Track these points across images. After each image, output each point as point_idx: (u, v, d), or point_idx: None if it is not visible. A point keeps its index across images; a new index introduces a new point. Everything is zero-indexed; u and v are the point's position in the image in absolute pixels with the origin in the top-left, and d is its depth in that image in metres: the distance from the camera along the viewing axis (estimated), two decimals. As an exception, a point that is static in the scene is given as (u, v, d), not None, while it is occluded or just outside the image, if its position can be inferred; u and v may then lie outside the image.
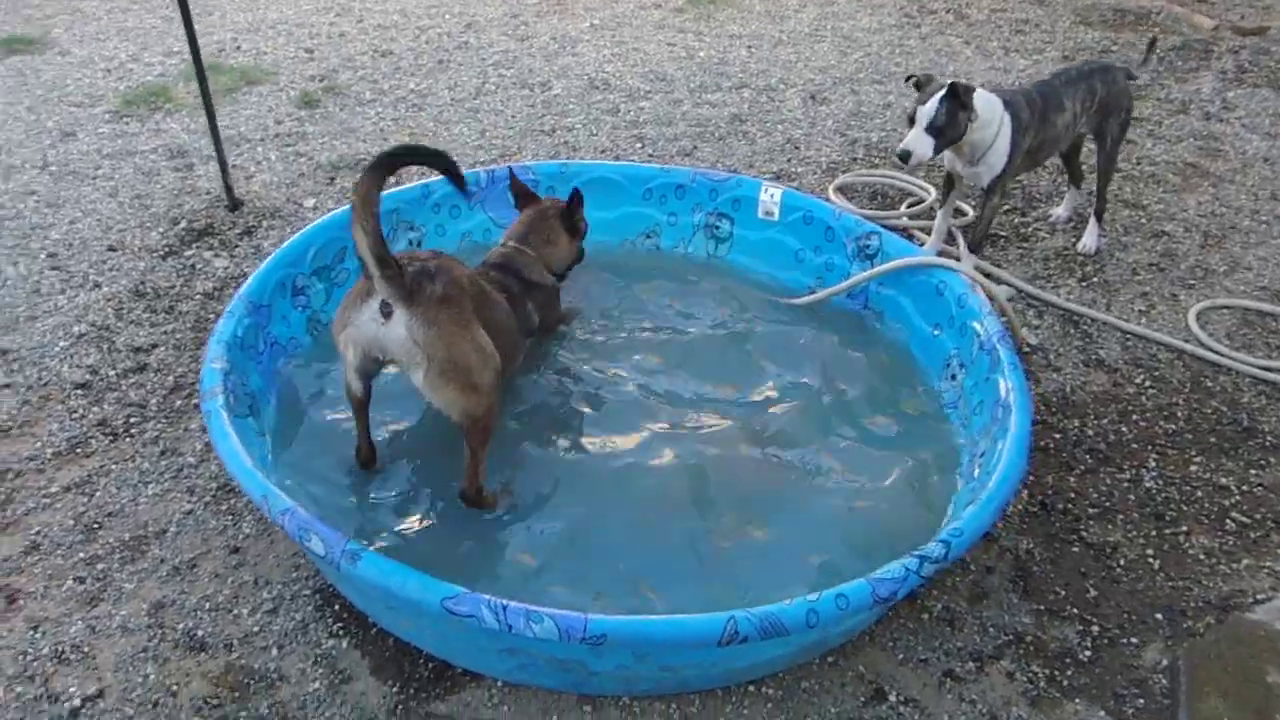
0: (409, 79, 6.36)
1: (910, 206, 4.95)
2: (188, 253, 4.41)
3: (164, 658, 2.75)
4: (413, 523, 3.07)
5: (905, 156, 3.85)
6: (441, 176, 3.01)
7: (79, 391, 3.66)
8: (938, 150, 3.91)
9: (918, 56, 6.85)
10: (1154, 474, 3.45)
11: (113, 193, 4.91)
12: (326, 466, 3.23)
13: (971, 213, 4.75)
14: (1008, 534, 3.20)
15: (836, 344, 3.86)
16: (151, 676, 2.70)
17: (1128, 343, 4.09)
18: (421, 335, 2.81)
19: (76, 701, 2.63)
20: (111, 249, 4.46)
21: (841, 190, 5.12)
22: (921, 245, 4.51)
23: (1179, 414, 3.72)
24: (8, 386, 3.67)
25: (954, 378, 3.52)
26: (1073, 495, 3.36)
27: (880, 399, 3.61)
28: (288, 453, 3.26)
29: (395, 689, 2.67)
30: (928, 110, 3.83)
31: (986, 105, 3.98)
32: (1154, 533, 3.22)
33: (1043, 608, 2.97)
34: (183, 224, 4.63)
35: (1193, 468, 3.48)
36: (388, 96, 6.11)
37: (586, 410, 3.51)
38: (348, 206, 2.94)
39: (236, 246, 4.48)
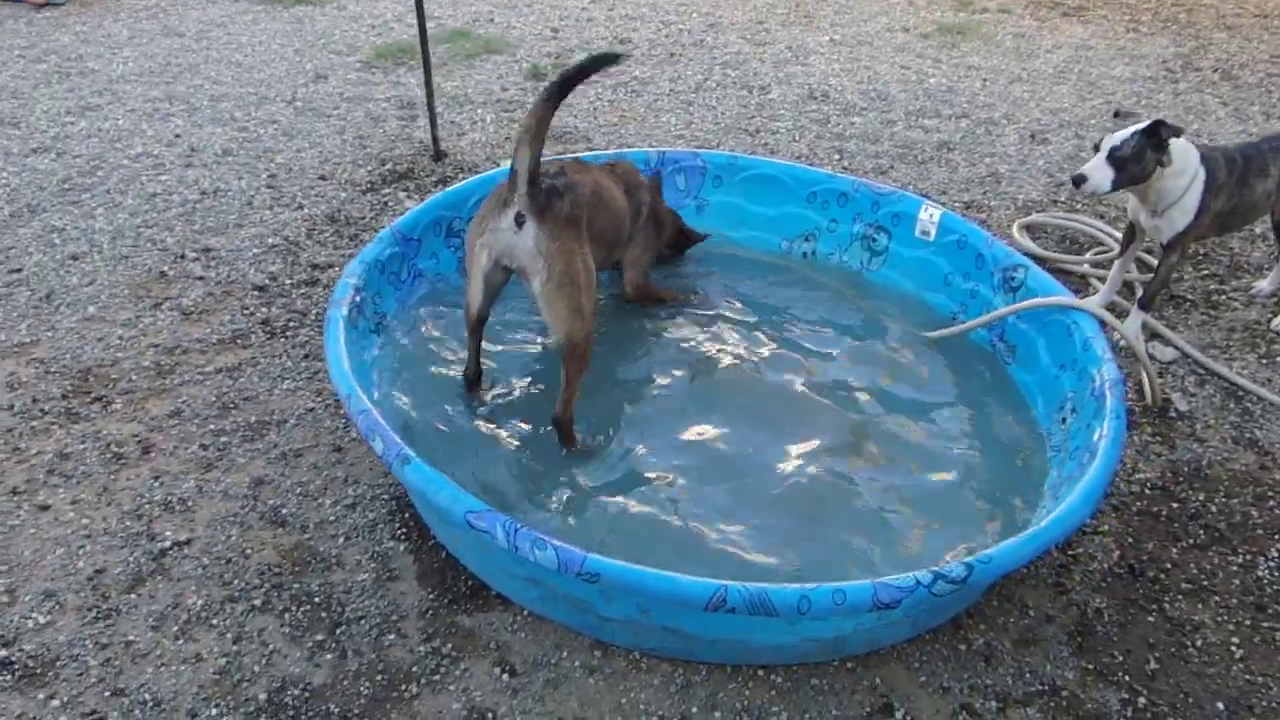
0: (637, 67, 6.65)
1: (1096, 255, 4.73)
2: (385, 191, 4.85)
3: (249, 525, 3.09)
4: (499, 455, 3.28)
5: (1079, 181, 3.68)
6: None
7: (256, 292, 4.12)
8: (1116, 185, 3.71)
9: (1163, 110, 6.46)
10: (1272, 564, 3.17)
11: (340, 130, 5.46)
12: (434, 389, 3.50)
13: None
14: (1082, 588, 3.05)
15: (960, 374, 3.79)
16: (234, 537, 3.04)
17: (1294, 428, 3.77)
18: (546, 247, 3.12)
19: (168, 543, 3.01)
20: (322, 178, 4.97)
21: (1029, 229, 4.95)
22: (1094, 294, 4.33)
23: (1326, 511, 3.41)
24: (202, 279, 4.19)
25: (1064, 421, 3.38)
26: (1169, 566, 3.15)
27: (988, 435, 3.51)
28: (406, 370, 3.56)
29: (432, 595, 2.89)
30: (1116, 138, 3.65)
31: (1182, 154, 3.77)
32: (1248, 622, 2.97)
33: (1092, 667, 2.81)
34: (389, 165, 5.09)
35: (1321, 568, 3.19)
36: (611, 79, 6.42)
37: (706, 391, 3.63)
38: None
39: (429, 192, 4.87)
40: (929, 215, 4.14)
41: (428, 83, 4.97)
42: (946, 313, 4.06)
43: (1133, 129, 3.65)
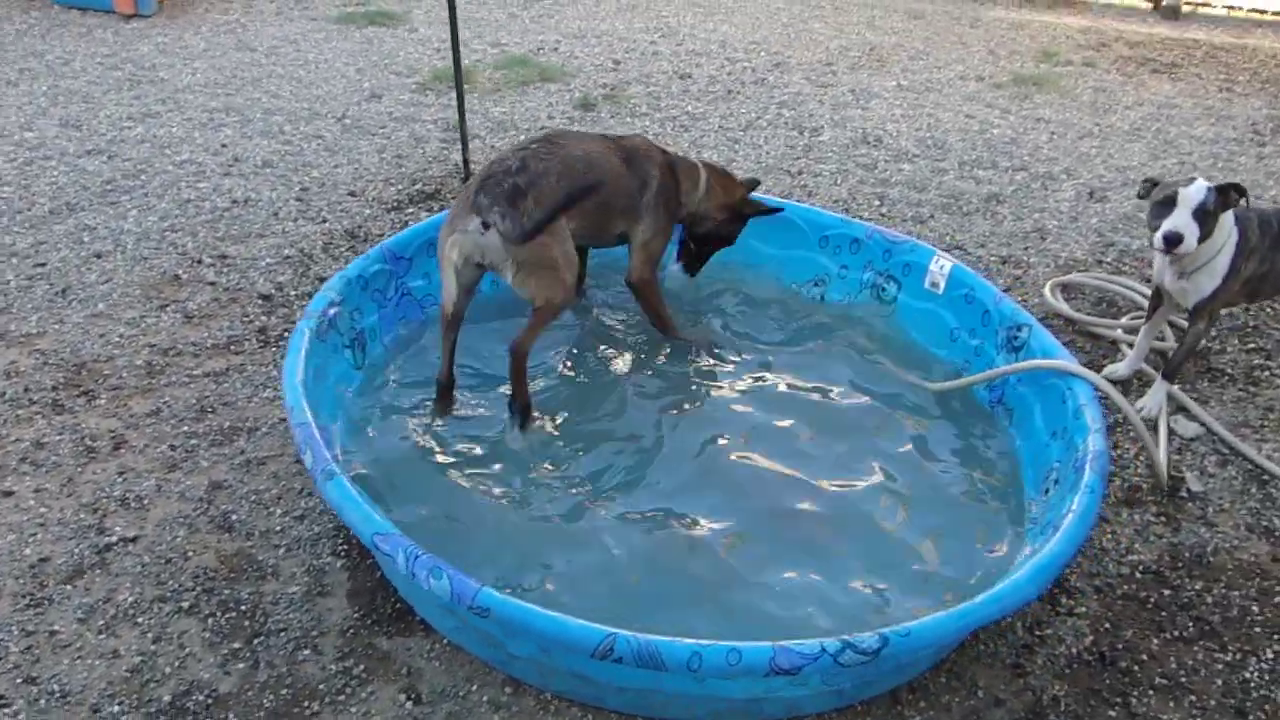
0: (692, 102, 6.61)
1: (1132, 319, 4.48)
2: (409, 210, 4.90)
3: (197, 527, 3.11)
4: (452, 484, 3.24)
5: (1174, 240, 3.42)
6: None
7: (260, 301, 4.19)
8: (1200, 241, 3.49)
9: (1240, 175, 6.13)
10: (1264, 666, 2.92)
11: (381, 149, 5.56)
12: (408, 412, 3.49)
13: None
14: (1043, 673, 2.85)
15: (954, 435, 3.63)
16: (179, 538, 3.07)
17: (1318, 521, 3.48)
18: (514, 250, 3.23)
19: (115, 539, 3.05)
20: (351, 194, 5.06)
21: (1065, 288, 4.73)
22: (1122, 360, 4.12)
23: (1337, 613, 3.13)
24: (212, 284, 4.28)
25: (1047, 492, 3.19)
26: (1145, 658, 2.92)
27: (971, 502, 3.34)
28: (381, 391, 3.56)
29: (357, 615, 2.85)
30: (1194, 193, 3.42)
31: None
32: (1223, 728, 2.75)
33: (1034, 761, 2.63)
34: (418, 185, 5.15)
35: (1320, 675, 2.92)
36: (661, 113, 6.39)
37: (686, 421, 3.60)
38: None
39: (451, 214, 4.92)
40: (939, 267, 3.99)
41: (460, 105, 5.03)
42: (952, 368, 3.89)
43: (1207, 185, 3.44)
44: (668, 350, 3.94)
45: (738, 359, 3.94)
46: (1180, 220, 3.43)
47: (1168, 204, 3.47)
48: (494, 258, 3.25)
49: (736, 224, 4.11)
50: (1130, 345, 4.19)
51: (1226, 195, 3.46)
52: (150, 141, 5.59)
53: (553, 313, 3.40)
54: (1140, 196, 3.66)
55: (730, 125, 6.28)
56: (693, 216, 4.01)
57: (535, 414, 3.44)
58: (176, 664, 2.69)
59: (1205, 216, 3.44)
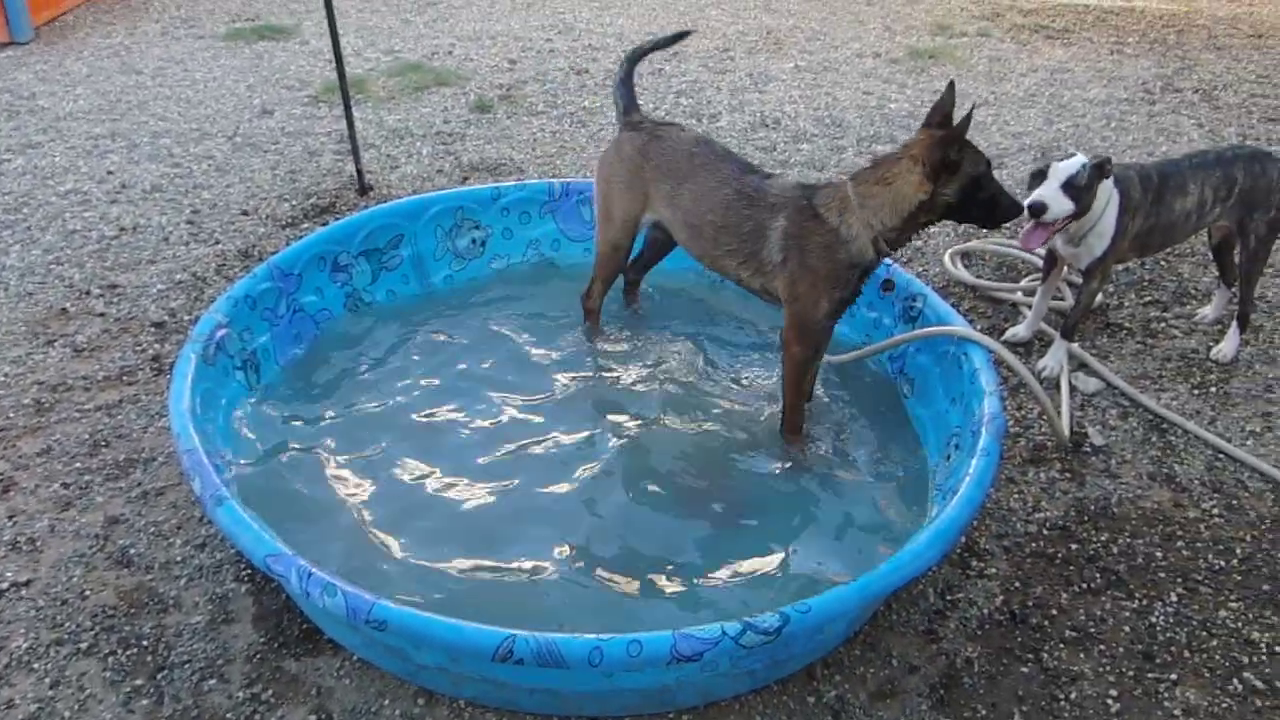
0: (588, 97, 6.59)
1: (1031, 281, 4.55)
2: (304, 225, 4.81)
3: (94, 565, 3.02)
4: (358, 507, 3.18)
5: (1039, 210, 3.52)
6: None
7: (153, 329, 4.08)
8: (1074, 215, 3.58)
9: (1132, 134, 6.27)
10: (1169, 611, 2.98)
11: (274, 166, 5.46)
12: (301, 434, 3.42)
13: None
14: (956, 636, 2.88)
15: (856, 406, 3.66)
16: (76, 578, 2.97)
17: (1215, 463, 3.56)
18: None
19: (5, 585, 2.95)
20: (244, 213, 4.96)
21: (966, 256, 4.79)
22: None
23: (1238, 551, 3.19)
24: (102, 315, 4.17)
25: (949, 458, 3.22)
26: (1055, 613, 2.97)
27: (877, 472, 3.36)
28: (277, 411, 3.49)
29: (264, 639, 2.79)
30: (1068, 167, 3.51)
31: None
32: (1131, 673, 2.78)
33: (949, 723, 2.65)
34: (313, 200, 5.06)
35: (1223, 613, 2.97)
36: (558, 110, 6.36)
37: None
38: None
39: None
40: (835, 244, 4.00)
41: (348, 116, 4.95)
42: (851, 342, 3.91)
43: (1081, 160, 3.53)
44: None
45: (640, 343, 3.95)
46: (1047, 192, 3.53)
47: (1039, 176, 3.59)
48: None
49: (966, 190, 3.08)
50: (1030, 307, 4.26)
51: (1101, 169, 3.56)
52: (32, 173, 5.42)
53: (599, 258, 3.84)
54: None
55: (629, 118, 6.27)
56: (887, 238, 3.16)
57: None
58: (76, 707, 2.60)
59: (1077, 190, 3.53)
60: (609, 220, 3.72)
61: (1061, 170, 3.52)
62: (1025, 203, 3.47)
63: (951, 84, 3.18)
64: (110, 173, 5.42)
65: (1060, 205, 3.52)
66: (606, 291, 3.91)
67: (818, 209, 3.18)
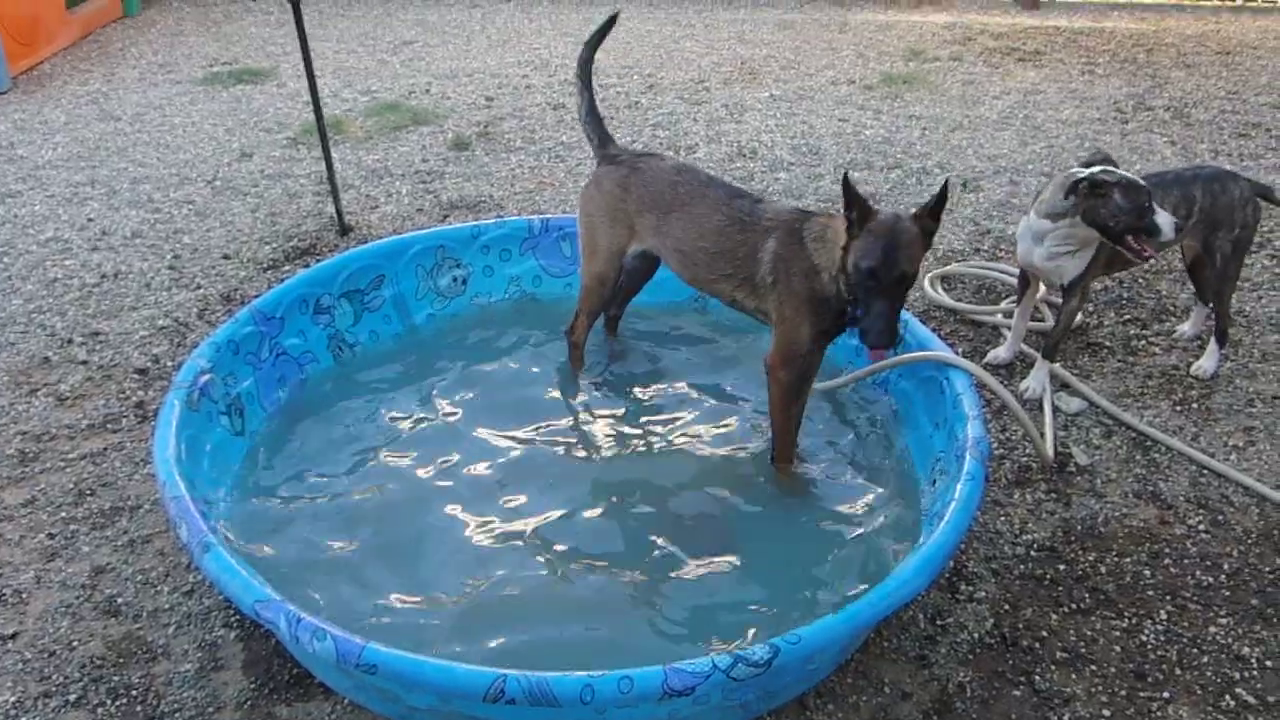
0: (565, 132, 6.63)
1: (1010, 303, 4.59)
2: (285, 268, 4.82)
3: (81, 615, 3.00)
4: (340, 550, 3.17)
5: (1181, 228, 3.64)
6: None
7: (136, 376, 4.07)
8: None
9: (1108, 152, 6.34)
10: (1159, 628, 2.99)
11: (255, 209, 5.47)
12: (285, 477, 3.42)
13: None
14: (947, 661, 2.88)
15: (840, 434, 3.69)
16: (63, 629, 2.95)
17: (1200, 479, 3.58)
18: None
19: (-9, 639, 2.93)
20: (225, 257, 4.96)
21: (946, 279, 4.83)
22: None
23: (1225, 566, 3.21)
24: (85, 363, 4.15)
25: (934, 483, 3.23)
26: (1045, 634, 2.97)
27: (866, 499, 3.38)
28: (263, 455, 3.49)
29: (254, 685, 2.77)
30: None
31: None
32: (1124, 692, 2.79)
33: (943, 750, 2.65)
34: (294, 242, 5.07)
35: (1213, 629, 2.99)
36: (535, 146, 6.40)
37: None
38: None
39: (327, 267, 4.85)
40: (816, 271, 4.03)
41: (326, 157, 4.97)
42: (835, 370, 3.93)
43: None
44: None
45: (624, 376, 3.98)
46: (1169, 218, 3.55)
47: (1146, 195, 3.52)
48: None
49: (851, 274, 3.05)
50: (1010, 329, 4.30)
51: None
52: (11, 222, 5.41)
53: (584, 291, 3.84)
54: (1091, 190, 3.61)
55: (607, 152, 6.32)
56: (843, 283, 3.15)
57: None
58: (65, 761, 2.59)
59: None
60: (594, 254, 3.73)
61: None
62: (1168, 223, 3.52)
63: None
64: (90, 220, 5.42)
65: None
66: (591, 325, 3.91)
67: (803, 235, 3.23)
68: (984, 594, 3.11)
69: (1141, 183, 3.56)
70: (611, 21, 3.91)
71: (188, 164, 6.11)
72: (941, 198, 3.04)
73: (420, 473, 3.42)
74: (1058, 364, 4.08)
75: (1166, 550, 3.28)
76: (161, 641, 2.91)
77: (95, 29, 9.14)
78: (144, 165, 6.14)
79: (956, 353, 3.66)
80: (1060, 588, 3.14)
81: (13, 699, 2.74)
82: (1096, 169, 3.62)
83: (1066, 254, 3.77)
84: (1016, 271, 4.69)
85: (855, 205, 2.99)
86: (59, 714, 2.70)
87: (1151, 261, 4.35)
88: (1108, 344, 4.37)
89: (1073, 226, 3.67)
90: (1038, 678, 2.83)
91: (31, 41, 8.00)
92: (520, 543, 3.14)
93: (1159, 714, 2.72)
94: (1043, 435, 3.66)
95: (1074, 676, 2.84)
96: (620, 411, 3.77)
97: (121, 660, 2.85)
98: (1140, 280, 4.82)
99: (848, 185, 3.00)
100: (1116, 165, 3.75)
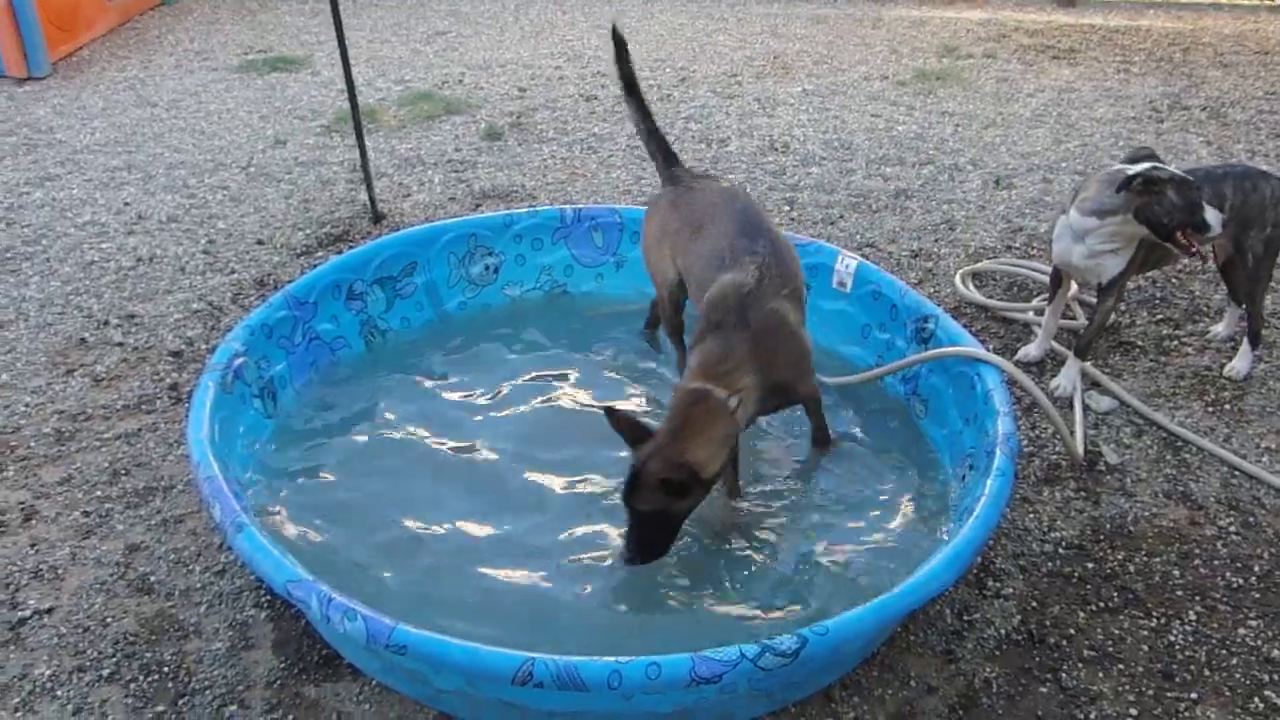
0: (597, 123, 6.65)
1: (1042, 301, 4.56)
2: (318, 254, 4.86)
3: (115, 592, 3.04)
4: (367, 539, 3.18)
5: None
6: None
7: (170, 358, 4.13)
8: None
9: (1142, 151, 6.29)
10: (1187, 629, 2.98)
11: (288, 195, 5.53)
12: (316, 460, 3.45)
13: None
14: (974, 657, 2.88)
15: (870, 428, 3.68)
16: (97, 605, 3.00)
17: (1232, 480, 3.55)
18: None
19: (29, 612, 2.97)
20: (259, 242, 5.02)
21: (977, 276, 4.81)
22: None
23: (1256, 569, 3.19)
24: (121, 345, 4.21)
25: (964, 479, 3.23)
26: (1073, 632, 2.96)
27: (894, 493, 3.37)
28: (295, 438, 3.52)
29: (284, 665, 2.81)
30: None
31: None
32: (1152, 692, 2.78)
33: (969, 745, 2.65)
34: (327, 228, 5.13)
35: (1242, 631, 2.97)
36: (568, 137, 6.43)
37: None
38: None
39: (359, 254, 4.89)
40: (845, 266, 4.03)
41: (360, 144, 5.02)
42: (864, 366, 3.93)
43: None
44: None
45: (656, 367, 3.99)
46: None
47: (1198, 191, 3.52)
48: None
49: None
50: (1041, 327, 4.27)
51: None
52: (50, 205, 5.49)
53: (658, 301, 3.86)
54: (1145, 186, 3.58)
55: (637, 144, 6.25)
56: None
57: None
58: (98, 734, 2.63)
59: None
60: (655, 272, 3.72)
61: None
62: (1217, 219, 3.52)
63: None
64: (127, 204, 5.49)
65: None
66: (676, 326, 3.81)
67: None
68: (1011, 590, 3.10)
69: (1192, 179, 3.53)
70: (619, 41, 3.82)
71: (223, 150, 6.18)
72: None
73: (449, 458, 3.45)
74: (1089, 362, 4.06)
75: (1196, 551, 3.26)
76: (193, 620, 2.95)
77: (133, 16, 9.23)
78: (180, 151, 6.21)
79: (987, 349, 3.64)
80: (1088, 586, 3.13)
81: (48, 672, 2.78)
82: (1146, 165, 3.58)
83: (1110, 252, 3.74)
84: (1048, 270, 4.67)
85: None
86: (93, 688, 2.74)
87: (1186, 261, 4.33)
88: (1140, 343, 4.33)
89: (1123, 224, 3.63)
90: (1064, 675, 2.82)
91: (71, 28, 8.09)
92: (549, 529, 3.16)
93: (1186, 714, 2.71)
94: (1073, 433, 3.64)
95: (1101, 675, 2.83)
96: (647, 401, 3.78)
97: (154, 637, 2.89)
98: (1173, 280, 4.78)
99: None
100: (1161, 161, 3.71)
